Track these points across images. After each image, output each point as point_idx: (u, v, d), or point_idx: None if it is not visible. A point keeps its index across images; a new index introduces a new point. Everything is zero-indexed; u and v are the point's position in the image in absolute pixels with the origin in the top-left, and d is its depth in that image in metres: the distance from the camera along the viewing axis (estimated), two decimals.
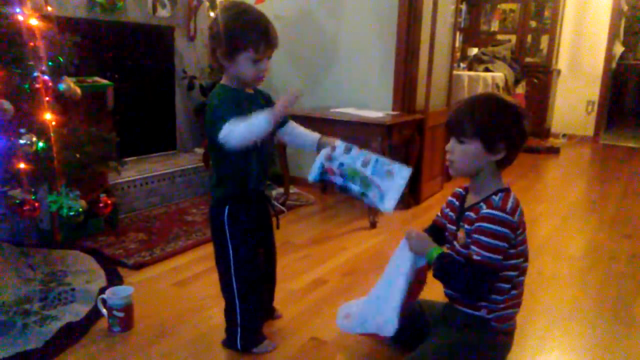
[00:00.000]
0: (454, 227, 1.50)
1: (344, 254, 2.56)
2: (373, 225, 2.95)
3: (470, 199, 1.48)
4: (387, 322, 1.46)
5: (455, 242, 1.47)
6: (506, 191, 1.42)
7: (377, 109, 3.35)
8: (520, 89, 5.48)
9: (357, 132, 3.01)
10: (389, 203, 1.50)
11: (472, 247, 1.35)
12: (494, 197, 1.39)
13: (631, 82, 8.44)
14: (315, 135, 1.65)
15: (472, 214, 1.41)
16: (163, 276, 2.23)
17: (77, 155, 1.99)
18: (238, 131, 1.38)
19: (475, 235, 1.35)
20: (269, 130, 1.40)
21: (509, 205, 1.37)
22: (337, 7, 3.54)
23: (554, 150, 5.54)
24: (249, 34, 1.45)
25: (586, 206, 3.68)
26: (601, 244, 2.81)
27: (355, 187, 1.55)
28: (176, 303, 1.99)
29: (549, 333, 1.86)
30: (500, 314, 1.44)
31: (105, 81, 2.77)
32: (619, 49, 6.62)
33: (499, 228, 1.33)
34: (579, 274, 2.41)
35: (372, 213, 2.95)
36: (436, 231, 1.59)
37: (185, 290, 2.11)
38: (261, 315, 1.73)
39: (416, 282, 1.50)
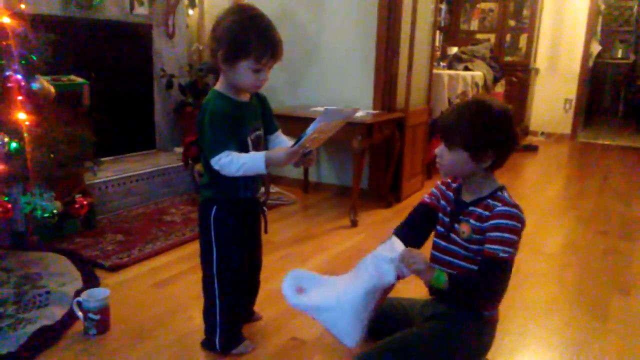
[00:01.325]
0: (447, 219, 1.51)
1: (325, 253, 2.55)
2: (354, 223, 2.95)
3: (467, 196, 1.49)
4: (349, 333, 1.43)
5: (453, 235, 1.48)
6: (505, 188, 1.46)
7: (359, 107, 3.34)
8: (500, 88, 5.53)
9: (338, 131, 2.99)
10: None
11: (493, 246, 1.36)
12: (499, 194, 1.43)
13: (608, 80, 8.59)
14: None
15: (480, 210, 1.42)
16: (141, 277, 2.20)
17: (52, 156, 1.96)
18: (233, 167, 1.41)
19: (496, 234, 1.37)
20: (264, 172, 1.43)
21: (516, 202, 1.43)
22: (318, 7, 3.53)
23: (533, 148, 5.61)
24: (253, 42, 1.40)
25: (564, 203, 3.73)
26: (578, 241, 2.85)
27: None
28: (155, 304, 1.96)
29: (527, 329, 1.88)
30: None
31: (81, 80, 2.73)
32: (596, 48, 6.74)
33: (516, 224, 1.38)
34: (557, 270, 2.44)
35: (353, 212, 2.96)
36: (427, 212, 1.60)
37: (164, 291, 2.09)
38: (241, 316, 1.71)
39: (383, 296, 1.48)
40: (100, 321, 1.71)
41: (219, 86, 1.52)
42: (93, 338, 1.70)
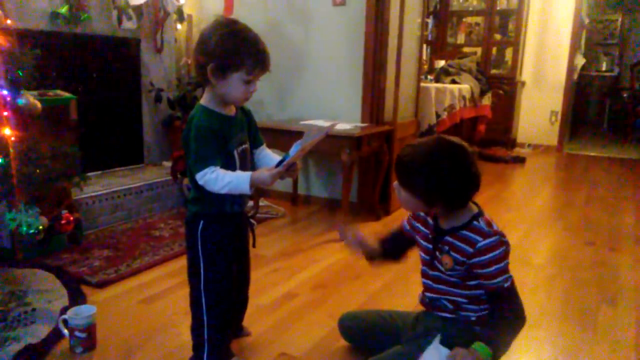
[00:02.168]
0: (430, 246, 1.51)
1: (314, 266, 2.55)
2: None
3: (443, 222, 1.48)
4: None
5: (439, 265, 1.48)
6: (482, 214, 1.44)
7: (347, 120, 3.37)
8: (487, 101, 5.59)
9: (326, 144, 3.00)
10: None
11: (494, 280, 1.38)
12: (475, 223, 1.41)
13: (593, 92, 8.72)
14: (275, 160, 1.62)
15: (459, 243, 1.41)
16: (129, 293, 2.17)
17: (38, 171, 1.94)
18: (218, 185, 1.41)
19: (490, 269, 1.37)
20: (248, 193, 1.44)
21: (494, 225, 1.42)
22: (306, 20, 3.56)
23: (520, 160, 5.65)
24: (245, 54, 1.42)
25: (551, 214, 3.76)
26: (566, 252, 2.87)
27: None
28: (142, 321, 1.94)
29: (516, 340, 1.87)
30: (482, 319, 1.47)
31: (68, 94, 2.72)
32: (580, 60, 6.84)
33: (502, 250, 1.38)
34: (545, 282, 2.45)
35: (343, 225, 2.95)
36: (401, 241, 1.63)
37: (152, 307, 2.06)
38: (229, 332, 1.69)
39: None
40: (87, 339, 1.69)
41: (204, 100, 1.51)
42: (79, 356, 1.68)
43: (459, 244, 1.41)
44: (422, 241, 1.55)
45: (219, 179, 1.41)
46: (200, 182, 1.43)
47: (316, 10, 3.51)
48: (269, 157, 1.65)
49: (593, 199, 4.12)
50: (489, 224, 1.42)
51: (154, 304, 2.09)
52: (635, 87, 7.94)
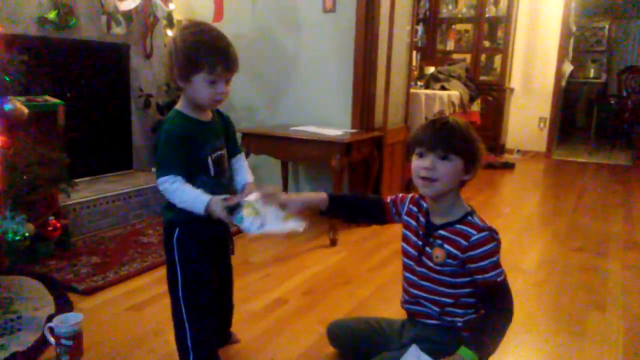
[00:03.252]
0: (420, 243, 1.50)
1: (304, 272, 2.54)
2: (333, 242, 2.94)
3: (436, 218, 1.49)
4: None
5: (427, 261, 1.47)
6: (474, 212, 1.47)
7: (337, 126, 3.37)
8: (476, 107, 5.62)
9: (316, 150, 3.02)
10: (260, 229, 1.42)
11: (487, 274, 1.40)
12: (469, 218, 1.43)
13: (580, 99, 8.81)
14: (246, 179, 1.62)
15: (453, 237, 1.42)
16: (117, 301, 2.15)
17: (24, 177, 1.92)
18: (176, 198, 1.42)
19: (484, 263, 1.39)
20: (202, 214, 1.41)
21: (486, 223, 1.44)
22: (296, 26, 3.56)
23: (509, 166, 5.69)
24: (204, 53, 1.39)
25: (540, 220, 3.78)
26: (555, 257, 2.88)
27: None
28: (130, 328, 1.92)
29: (505, 346, 1.87)
30: (469, 324, 1.47)
31: (56, 100, 2.69)
32: (568, 67, 6.91)
33: (495, 245, 1.40)
34: (534, 287, 2.46)
35: (332, 231, 2.95)
36: (379, 208, 1.62)
37: (140, 314, 2.04)
38: (214, 339, 1.66)
39: None
40: (73, 347, 1.67)
41: (179, 105, 1.50)
42: None
43: (453, 237, 1.42)
44: (411, 236, 1.54)
45: (177, 192, 1.41)
46: (160, 188, 1.42)
47: (306, 17, 3.52)
48: (242, 170, 1.63)
49: (581, 205, 4.15)
50: (482, 219, 1.45)
51: (142, 311, 2.07)
52: (622, 94, 8.03)
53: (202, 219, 1.48)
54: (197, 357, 1.56)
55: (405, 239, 1.57)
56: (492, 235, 1.40)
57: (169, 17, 3.68)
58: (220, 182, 1.54)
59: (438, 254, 1.44)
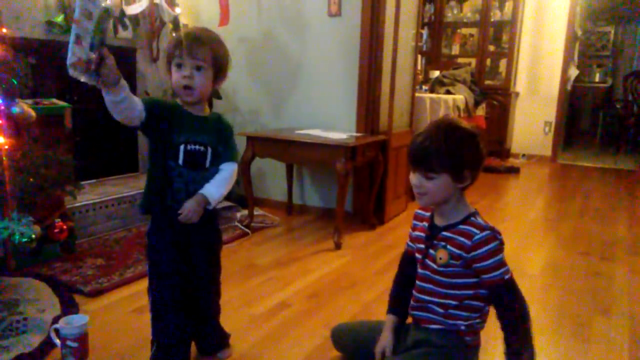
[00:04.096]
0: (423, 246, 1.51)
1: (308, 276, 2.54)
2: (338, 246, 2.94)
3: (440, 220, 1.49)
4: None
5: (430, 262, 1.47)
6: (477, 213, 1.46)
7: (342, 130, 3.38)
8: (481, 111, 5.62)
9: (321, 154, 3.02)
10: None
11: (494, 273, 1.39)
12: (472, 219, 1.43)
13: (586, 103, 8.79)
14: (205, 188, 1.57)
15: (457, 237, 1.42)
16: (122, 303, 2.16)
17: (31, 179, 1.93)
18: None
19: (489, 261, 1.38)
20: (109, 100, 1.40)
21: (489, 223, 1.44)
22: (301, 30, 3.58)
23: (514, 170, 5.68)
24: (173, 44, 1.51)
25: (545, 224, 3.77)
26: (560, 262, 2.87)
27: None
28: (135, 331, 1.93)
29: None
30: (474, 329, 1.46)
31: (63, 103, 2.71)
32: (574, 72, 6.90)
33: (498, 245, 1.40)
34: (539, 291, 2.46)
35: (337, 234, 2.95)
36: (413, 262, 1.58)
37: (145, 317, 2.03)
38: (179, 336, 1.62)
39: None
40: (79, 348, 1.67)
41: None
42: None
43: (456, 237, 1.42)
44: (418, 244, 1.54)
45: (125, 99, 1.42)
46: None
47: (312, 21, 3.53)
48: (214, 180, 1.57)
49: (587, 210, 4.14)
50: (485, 221, 1.44)
51: (146, 314, 2.05)
52: (628, 99, 8.00)
53: (170, 210, 1.52)
54: (157, 351, 1.60)
55: (415, 249, 1.57)
56: (495, 235, 1.40)
57: (175, 21, 3.70)
58: (188, 172, 1.53)
59: (441, 255, 1.44)
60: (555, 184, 5.50)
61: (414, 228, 1.59)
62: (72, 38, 1.28)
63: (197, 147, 1.54)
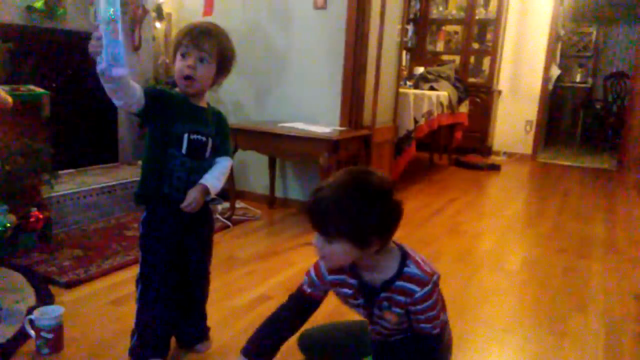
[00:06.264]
0: (361, 310, 1.39)
1: (290, 269, 2.53)
2: None
3: (369, 277, 1.32)
4: None
5: (381, 321, 1.37)
6: (407, 255, 1.30)
7: (325, 124, 3.37)
8: (464, 108, 5.66)
9: (304, 147, 3.01)
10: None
11: (424, 325, 1.30)
12: (406, 270, 1.27)
13: (567, 103, 8.90)
14: (205, 178, 1.56)
15: (399, 296, 1.28)
16: (99, 294, 2.13)
17: (7, 167, 1.89)
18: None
19: (423, 317, 1.29)
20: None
21: (425, 265, 1.29)
22: (286, 22, 3.55)
23: (495, 167, 5.73)
24: (180, 35, 1.51)
25: (524, 222, 3.82)
26: (538, 258, 2.91)
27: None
28: (112, 322, 1.90)
29: (486, 346, 1.89)
30: (445, 328, 1.45)
31: (41, 90, 2.66)
32: (555, 71, 6.98)
33: (436, 296, 1.30)
34: (517, 288, 2.48)
35: None
36: (307, 305, 1.43)
37: (122, 309, 2.02)
38: (162, 327, 1.61)
39: None
40: (54, 340, 1.65)
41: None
42: (45, 357, 1.63)
43: (396, 297, 1.28)
44: (350, 300, 1.38)
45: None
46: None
47: (297, 13, 3.51)
48: (212, 171, 1.58)
49: (565, 208, 4.19)
50: (418, 264, 1.28)
51: (124, 306, 2.04)
52: (608, 99, 8.13)
53: (167, 199, 1.52)
54: (138, 340, 1.60)
55: (344, 302, 1.43)
56: (434, 286, 1.28)
57: (158, 10, 3.65)
58: (190, 161, 1.53)
59: (389, 317, 1.33)
60: (535, 182, 5.57)
61: (333, 283, 1.38)
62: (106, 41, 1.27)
63: (199, 137, 1.55)
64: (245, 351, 1.42)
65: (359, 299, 1.36)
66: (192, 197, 1.51)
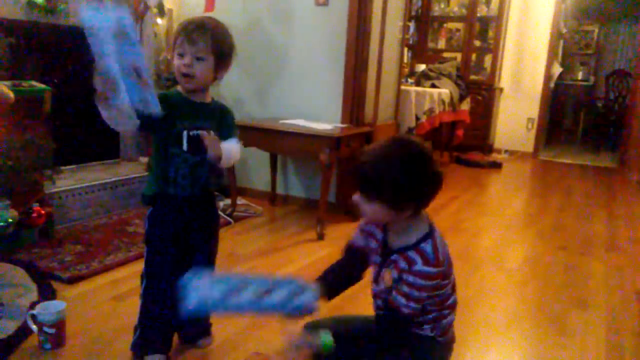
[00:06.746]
0: (378, 262, 1.40)
1: (291, 265, 2.54)
2: (321, 237, 2.94)
3: (393, 239, 1.36)
4: None
5: (382, 285, 1.37)
6: (432, 235, 1.32)
7: (327, 121, 3.37)
8: (465, 105, 5.65)
9: (305, 144, 3.01)
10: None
11: (400, 298, 1.28)
12: (423, 245, 1.29)
13: (568, 101, 8.89)
14: None
15: (402, 262, 1.29)
16: (100, 290, 2.13)
17: (9, 163, 1.89)
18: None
19: (406, 289, 1.27)
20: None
21: (440, 254, 1.29)
22: (287, 19, 3.55)
23: (497, 165, 5.73)
24: (179, 29, 1.51)
25: (525, 219, 3.81)
26: (539, 256, 2.91)
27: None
28: (113, 318, 1.91)
29: (488, 343, 1.90)
30: (442, 328, 1.43)
31: (42, 85, 2.65)
32: (557, 69, 6.96)
33: (431, 283, 1.28)
34: (518, 285, 2.49)
35: (320, 225, 2.95)
36: (358, 255, 1.46)
37: (123, 304, 2.03)
38: (163, 323, 1.62)
39: None
40: (56, 335, 1.65)
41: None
42: (47, 352, 1.64)
43: (401, 262, 1.30)
44: (373, 256, 1.42)
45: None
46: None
47: (298, 10, 3.50)
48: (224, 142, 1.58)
49: (566, 206, 4.19)
50: (435, 247, 1.29)
51: (125, 302, 2.05)
52: (609, 97, 8.12)
53: (169, 194, 1.54)
54: (140, 335, 1.61)
55: (369, 260, 1.46)
56: (437, 273, 1.28)
57: (160, 6, 3.64)
58: (193, 157, 1.54)
59: (386, 277, 1.34)
60: (536, 180, 5.57)
61: (367, 232, 1.43)
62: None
63: (199, 132, 1.54)
64: (321, 279, 1.47)
65: (377, 256, 1.40)
66: (212, 136, 1.50)
